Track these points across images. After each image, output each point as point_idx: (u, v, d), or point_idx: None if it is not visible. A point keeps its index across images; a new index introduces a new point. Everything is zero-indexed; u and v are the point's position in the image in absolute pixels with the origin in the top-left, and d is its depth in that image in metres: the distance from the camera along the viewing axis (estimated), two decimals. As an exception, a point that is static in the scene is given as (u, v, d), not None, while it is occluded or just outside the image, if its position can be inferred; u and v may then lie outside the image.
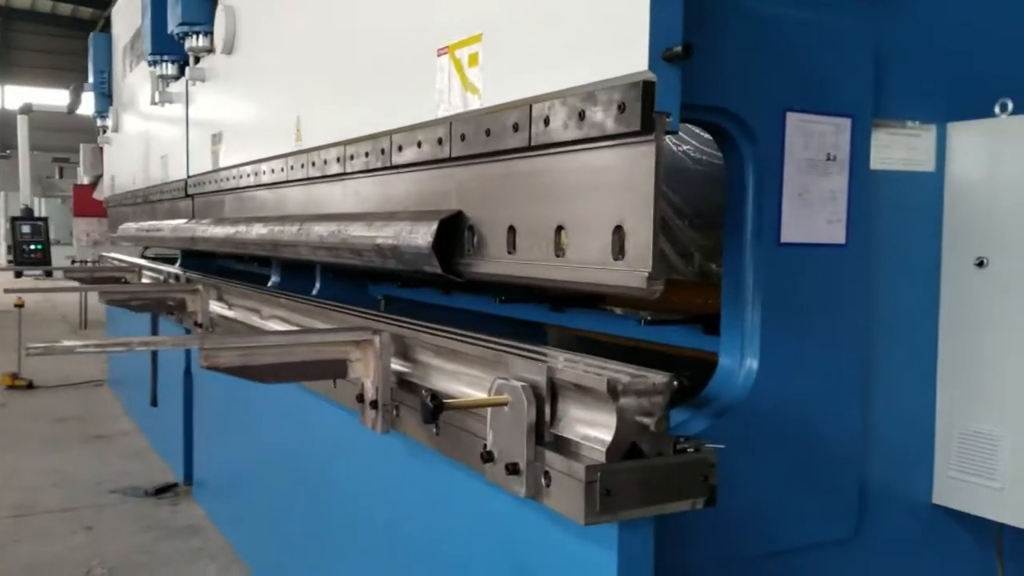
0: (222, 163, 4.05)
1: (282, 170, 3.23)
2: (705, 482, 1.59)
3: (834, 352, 2.02)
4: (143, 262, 5.82)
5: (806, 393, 1.99)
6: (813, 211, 2.00)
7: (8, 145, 38.77)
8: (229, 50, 3.82)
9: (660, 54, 1.50)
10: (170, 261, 6.25)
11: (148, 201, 5.81)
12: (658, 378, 1.56)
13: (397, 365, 2.28)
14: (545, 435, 1.65)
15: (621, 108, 1.55)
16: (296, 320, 3.06)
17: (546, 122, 1.75)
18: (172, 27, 4.22)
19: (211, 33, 3.96)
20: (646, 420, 1.53)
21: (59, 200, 20.59)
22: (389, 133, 2.40)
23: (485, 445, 1.73)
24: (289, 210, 3.30)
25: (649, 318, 2.45)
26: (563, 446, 1.61)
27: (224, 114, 4.04)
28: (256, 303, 3.51)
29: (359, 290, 4.39)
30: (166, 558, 3.92)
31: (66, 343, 1.90)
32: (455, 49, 2.07)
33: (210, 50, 4.08)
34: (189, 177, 4.66)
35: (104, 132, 7.34)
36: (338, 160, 2.73)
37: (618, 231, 1.60)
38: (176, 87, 4.89)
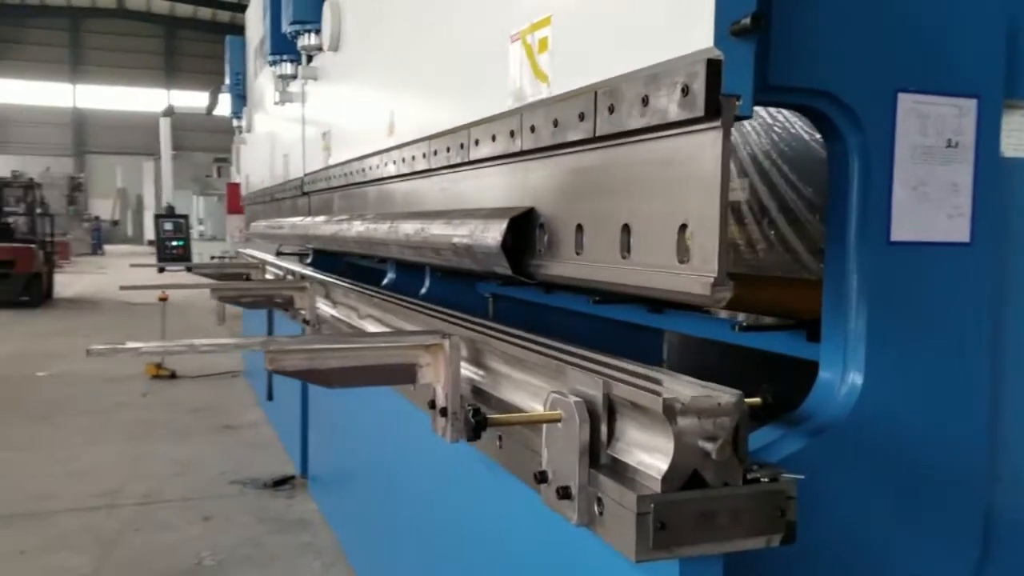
0: (331, 160, 4.06)
1: (377, 167, 3.18)
2: (782, 517, 1.39)
3: (955, 364, 1.76)
4: (268, 258, 5.97)
5: (920, 411, 1.75)
6: (930, 205, 1.75)
7: (176, 146, 41.52)
8: (335, 47, 3.81)
9: (727, 28, 1.32)
10: (304, 257, 6.39)
11: (274, 199, 5.96)
12: (725, 397, 1.38)
13: (470, 371, 2.17)
14: (601, 457, 1.50)
15: (684, 91, 1.37)
16: (388, 320, 3.01)
17: (610, 110, 1.59)
18: (285, 26, 4.27)
19: (321, 31, 3.98)
20: (708, 445, 1.34)
21: (215, 198, 21.75)
22: (467, 127, 2.30)
23: (540, 464, 1.59)
24: (385, 207, 3.25)
25: (744, 323, 2.22)
26: (619, 470, 1.45)
27: (332, 111, 4.05)
28: (355, 302, 3.49)
29: (467, 288, 4.31)
30: (274, 552, 3.97)
31: (130, 344, 1.88)
32: (527, 34, 1.93)
33: (320, 48, 4.10)
34: (305, 175, 4.72)
35: (240, 133, 7.61)
36: (424, 156, 2.65)
37: (683, 230, 1.43)
38: (294, 86, 4.96)
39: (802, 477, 1.42)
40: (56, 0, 43.85)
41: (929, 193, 1.74)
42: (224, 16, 39.60)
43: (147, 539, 4.14)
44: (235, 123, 7.61)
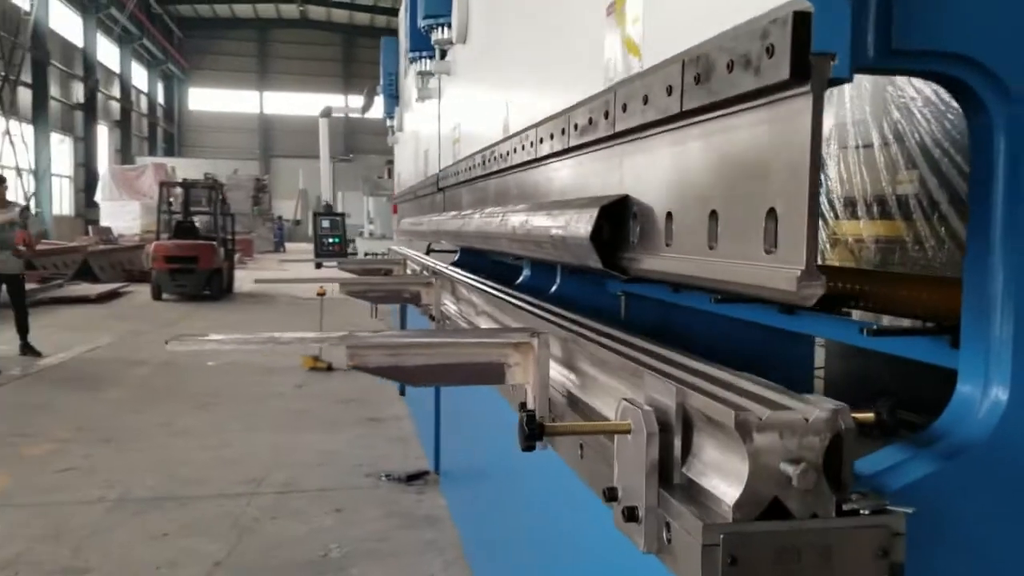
0: (460, 155, 4.01)
1: (493, 160, 3.08)
2: (884, 557, 1.17)
3: None
4: (412, 254, 6.01)
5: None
6: (1100, 191, 1.46)
7: (351, 149, 43.51)
8: (463, 39, 3.75)
9: (819, -25, 1.11)
10: (452, 255, 6.41)
11: (416, 196, 6.00)
12: (816, 412, 1.16)
13: (562, 374, 2.02)
14: (674, 475, 1.31)
15: (769, 51, 1.17)
16: (497, 317, 2.90)
17: (696, 80, 1.40)
18: (420, 21, 4.26)
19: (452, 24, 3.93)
20: (790, 469, 1.13)
21: (384, 198, 22.54)
22: (567, 112, 2.15)
23: (612, 479, 1.42)
24: (501, 201, 3.15)
25: (875, 326, 1.96)
26: (693, 493, 1.26)
27: (461, 105, 3.99)
28: (476, 298, 3.41)
29: (597, 287, 4.15)
30: (397, 548, 3.96)
31: (212, 336, 1.86)
32: (620, 5, 1.76)
33: (451, 42, 4.05)
34: (440, 171, 4.70)
35: (392, 133, 7.75)
36: (530, 145, 2.52)
37: (771, 216, 1.22)
38: (433, 82, 4.95)
39: (912, 511, 1.19)
40: (245, 12, 46.89)
41: (1098, 175, 1.45)
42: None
43: (281, 528, 4.23)
44: (388, 123, 7.75)
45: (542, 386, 1.93)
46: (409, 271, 5.41)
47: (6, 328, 8.98)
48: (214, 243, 15.70)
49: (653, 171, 1.69)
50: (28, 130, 26.40)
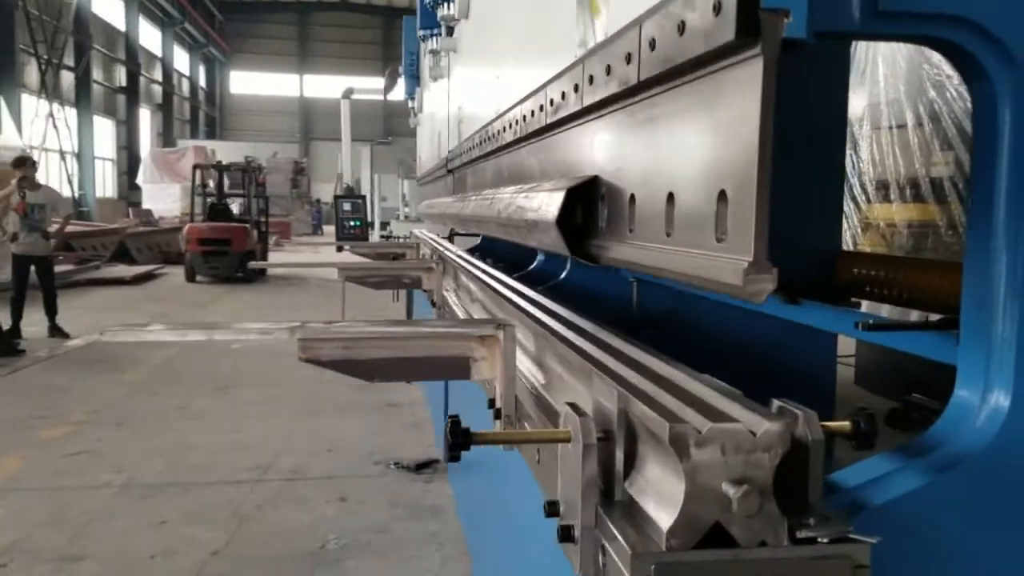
0: (463, 135, 3.87)
1: (488, 140, 2.94)
2: (845, 593, 1.01)
3: None
4: (426, 237, 5.89)
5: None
6: (1117, 170, 1.28)
7: (390, 132, 43.47)
8: (466, 14, 3.60)
9: (770, -84, 0.95)
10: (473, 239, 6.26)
11: (433, 179, 5.87)
12: (766, 425, 1.01)
13: (528, 370, 1.88)
14: (616, 492, 1.17)
15: (716, 8, 1.01)
16: (488, 306, 2.77)
17: (651, 46, 1.24)
18: (427, -2, 4.12)
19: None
20: (731, 491, 0.98)
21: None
22: (544, 86, 2.00)
23: (556, 491, 1.28)
24: (498, 182, 3.00)
25: (871, 320, 1.79)
26: (633, 514, 1.12)
27: (464, 83, 3.85)
28: (472, 285, 3.27)
29: (610, 273, 3.99)
30: (398, 539, 3.86)
31: (150, 327, 1.75)
32: (587, -35, 1.61)
33: (456, 18, 3.90)
34: (448, 152, 4.56)
35: (413, 115, 7.61)
36: (515, 123, 2.38)
37: (723, 199, 1.07)
38: (444, 61, 4.81)
39: (875, 541, 1.03)
40: (286, -5, 47.07)
41: (1116, 153, 1.27)
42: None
43: (282, 517, 4.15)
44: (409, 104, 7.63)
45: (508, 381, 1.79)
46: (421, 255, 5.29)
47: (35, 309, 9.05)
48: (247, 226, 15.75)
49: (619, 149, 1.54)
50: (71, 113, 26.76)
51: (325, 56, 48.27)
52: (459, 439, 1.21)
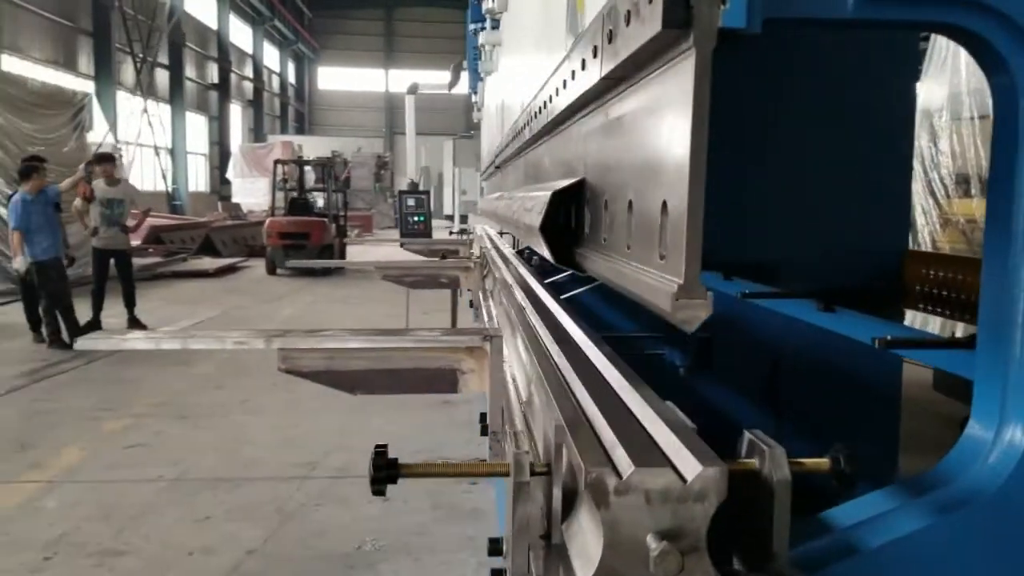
0: (505, 130, 3.77)
1: (515, 136, 2.84)
2: (794, 670, 0.88)
3: None
4: (480, 232, 5.81)
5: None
6: None
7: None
8: (505, 6, 3.50)
9: None
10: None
11: (488, 176, 5.81)
12: (700, 470, 0.88)
13: (523, 385, 1.76)
14: (554, 534, 1.05)
15: (650, -3, 0.89)
16: (512, 315, 2.66)
17: (610, 37, 1.12)
18: (471, -10, 4.03)
19: (500, -8, 3.68)
20: (653, 546, 0.86)
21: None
22: (544, 86, 1.89)
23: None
24: (526, 181, 2.90)
25: (888, 337, 1.62)
26: (563, 562, 1.00)
27: (504, 79, 3.75)
28: (502, 286, 3.17)
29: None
30: (435, 543, 3.80)
31: (127, 335, 1.70)
32: (575, -48, 1.49)
33: (496, 11, 3.80)
34: (497, 147, 4.47)
35: (478, 109, 7.55)
36: (530, 122, 2.27)
37: (664, 211, 0.95)
38: (494, 54, 4.72)
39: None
40: (372, -9, 47.72)
41: None
42: None
43: (324, 516, 4.14)
44: (472, 98, 7.56)
45: (494, 395, 1.69)
46: (469, 254, 5.21)
47: (116, 302, 9.32)
48: (325, 220, 15.98)
49: (600, 152, 1.42)
50: (165, 110, 27.68)
51: (410, 51, 48.75)
52: (381, 472, 1.11)
